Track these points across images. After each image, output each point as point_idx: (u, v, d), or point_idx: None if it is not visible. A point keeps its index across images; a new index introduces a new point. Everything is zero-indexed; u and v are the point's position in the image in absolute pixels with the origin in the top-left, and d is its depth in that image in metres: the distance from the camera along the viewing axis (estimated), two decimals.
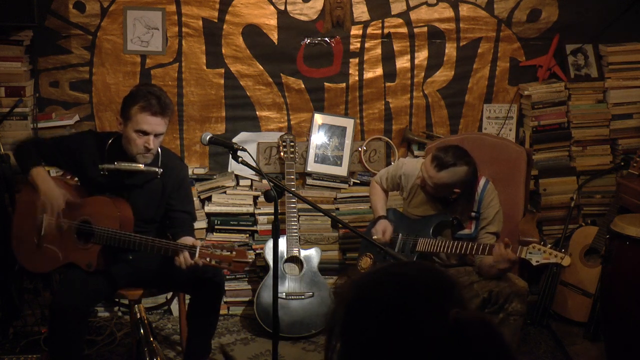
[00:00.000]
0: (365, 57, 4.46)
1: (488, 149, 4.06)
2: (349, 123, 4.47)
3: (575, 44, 4.48)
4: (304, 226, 4.29)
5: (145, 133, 3.14)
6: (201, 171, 4.39)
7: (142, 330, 2.05)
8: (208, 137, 3.06)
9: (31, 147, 3.33)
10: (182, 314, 3.54)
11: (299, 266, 4.10)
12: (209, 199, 4.29)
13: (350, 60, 4.46)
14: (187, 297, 3.53)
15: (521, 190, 4.04)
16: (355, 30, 4.42)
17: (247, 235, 4.31)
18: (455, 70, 4.50)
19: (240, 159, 2.98)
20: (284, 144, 4.29)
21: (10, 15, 3.89)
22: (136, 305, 2.20)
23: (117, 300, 3.91)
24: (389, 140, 4.53)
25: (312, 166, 4.43)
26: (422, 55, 4.48)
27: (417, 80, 4.50)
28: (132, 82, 4.31)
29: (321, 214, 3.97)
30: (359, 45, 4.44)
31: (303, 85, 4.46)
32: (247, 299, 4.27)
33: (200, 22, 4.35)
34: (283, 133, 4.39)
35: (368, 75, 4.48)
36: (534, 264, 3.15)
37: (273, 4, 4.35)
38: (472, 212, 3.45)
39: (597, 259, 4.07)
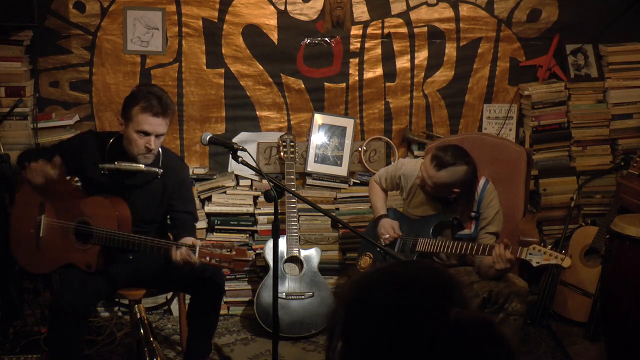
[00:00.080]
0: (365, 57, 4.46)
1: (488, 149, 4.06)
2: (349, 123, 4.47)
3: (575, 44, 4.48)
4: (304, 226, 4.29)
5: (147, 133, 3.14)
6: (201, 171, 4.39)
7: (142, 330, 2.06)
8: (208, 137, 3.06)
9: (33, 152, 3.35)
10: (182, 314, 3.54)
11: (299, 266, 4.10)
12: (209, 199, 4.29)
13: (350, 60, 4.46)
14: (187, 297, 3.53)
15: (521, 190, 4.04)
16: (355, 30, 4.42)
17: (247, 235, 4.31)
18: (455, 70, 4.50)
19: (240, 159, 2.98)
20: (284, 144, 4.29)
21: (10, 15, 3.89)
22: (136, 305, 2.20)
23: (117, 300, 3.91)
24: (389, 140, 4.53)
25: (312, 166, 4.43)
26: (422, 55, 4.48)
27: (417, 80, 4.50)
28: (132, 82, 4.31)
29: (321, 214, 3.97)
30: (359, 45, 4.44)
31: (303, 85, 4.46)
32: (247, 299, 4.28)
33: (200, 22, 4.35)
34: (283, 133, 4.39)
35: (368, 75, 4.48)
36: (534, 265, 3.15)
37: (273, 4, 4.35)
38: (472, 212, 3.45)
39: (597, 259, 4.07)
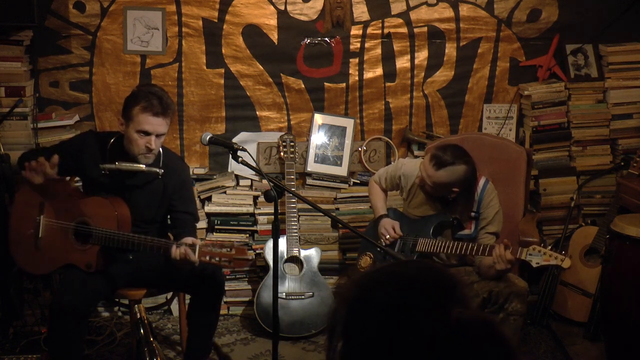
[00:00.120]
0: (365, 57, 4.46)
1: (488, 149, 4.06)
2: (349, 123, 4.47)
3: (575, 44, 4.48)
4: (304, 226, 4.29)
5: (147, 133, 3.14)
6: (201, 171, 4.39)
7: (142, 330, 2.05)
8: (208, 137, 3.06)
9: (34, 153, 3.35)
10: (182, 314, 3.54)
11: (299, 266, 4.10)
12: (209, 199, 4.29)
13: (350, 60, 4.46)
14: (187, 297, 3.53)
15: (521, 190, 4.04)
16: (355, 30, 4.42)
17: (247, 235, 4.31)
18: (455, 70, 4.50)
19: (240, 159, 2.98)
20: (284, 144, 4.29)
21: (10, 15, 3.89)
22: (136, 305, 2.20)
23: (117, 300, 3.91)
24: (389, 140, 4.53)
25: (312, 166, 4.43)
26: (422, 55, 4.48)
27: (417, 80, 4.50)
28: (132, 82, 4.31)
29: (321, 214, 3.97)
30: (359, 45, 4.44)
31: (303, 85, 4.46)
32: (247, 299, 4.27)
33: (200, 22, 4.35)
34: (283, 133, 4.39)
35: (368, 75, 4.48)
36: (534, 265, 3.15)
37: (273, 4, 4.35)
38: (471, 212, 3.45)
39: (597, 259, 4.07)
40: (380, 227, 3.59)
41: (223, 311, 4.11)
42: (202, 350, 3.42)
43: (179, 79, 4.39)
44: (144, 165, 3.20)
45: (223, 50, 4.38)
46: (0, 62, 4.09)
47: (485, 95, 4.55)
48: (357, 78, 4.48)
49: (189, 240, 3.19)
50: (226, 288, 3.93)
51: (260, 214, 4.28)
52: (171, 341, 3.94)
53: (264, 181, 4.20)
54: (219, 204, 4.27)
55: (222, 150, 4.27)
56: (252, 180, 4.36)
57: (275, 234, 2.91)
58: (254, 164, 3.07)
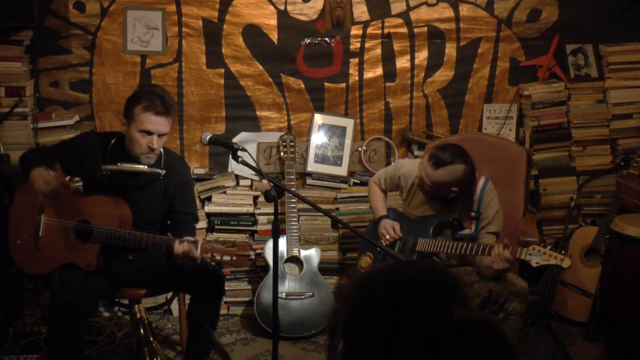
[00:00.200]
0: (365, 57, 4.46)
1: (488, 149, 4.06)
2: (349, 123, 4.47)
3: (575, 44, 4.48)
4: (304, 226, 4.29)
5: (149, 133, 3.14)
6: (201, 171, 4.39)
7: (142, 330, 2.05)
8: (208, 137, 3.06)
9: (35, 154, 3.35)
10: (182, 314, 3.54)
11: (299, 266, 4.10)
12: (209, 199, 4.29)
13: (350, 60, 4.46)
14: (187, 297, 3.53)
15: (521, 190, 4.04)
16: (355, 30, 4.42)
17: (247, 235, 4.31)
18: (455, 70, 4.50)
19: (240, 159, 2.97)
20: (284, 144, 4.29)
21: (10, 15, 3.89)
22: (136, 305, 2.20)
23: (117, 300, 3.91)
24: (389, 140, 4.53)
25: (312, 166, 4.43)
26: (422, 55, 4.48)
27: (417, 80, 4.50)
28: (132, 82, 4.31)
29: (321, 214, 3.97)
30: (359, 45, 4.44)
31: (303, 85, 4.46)
32: (247, 299, 4.27)
33: (200, 22, 4.35)
34: (283, 133, 4.39)
35: (368, 75, 4.48)
36: (534, 265, 3.15)
37: (273, 4, 4.35)
38: (471, 211, 3.45)
39: (597, 259, 4.07)
40: (380, 227, 3.59)
41: (223, 311, 4.11)
42: (202, 350, 3.42)
43: (179, 79, 4.39)
44: (146, 166, 3.20)
45: (223, 50, 4.38)
46: (0, 62, 4.09)
47: (485, 95, 4.55)
48: (357, 78, 4.48)
49: (190, 238, 3.19)
50: (226, 288, 3.93)
51: (260, 214, 4.27)
52: (171, 341, 3.94)
53: (264, 181, 4.20)
54: (219, 204, 4.27)
55: (222, 150, 4.27)
56: (252, 180, 4.36)
57: (275, 234, 2.91)
58: (254, 164, 3.07)
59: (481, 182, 3.46)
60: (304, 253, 4.09)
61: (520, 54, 4.51)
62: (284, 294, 3.95)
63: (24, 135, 4.09)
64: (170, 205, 3.36)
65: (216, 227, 4.24)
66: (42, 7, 4.13)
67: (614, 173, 4.45)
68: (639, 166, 4.03)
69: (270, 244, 3.88)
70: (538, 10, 4.46)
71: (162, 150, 3.28)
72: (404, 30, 4.43)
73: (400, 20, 4.42)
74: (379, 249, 3.21)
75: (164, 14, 4.31)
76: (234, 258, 3.00)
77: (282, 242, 4.02)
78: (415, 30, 4.44)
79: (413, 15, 4.42)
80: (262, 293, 3.97)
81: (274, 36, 4.39)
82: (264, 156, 4.43)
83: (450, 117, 4.56)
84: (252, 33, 4.38)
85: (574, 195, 4.40)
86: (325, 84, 4.48)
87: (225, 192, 4.29)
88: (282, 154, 4.28)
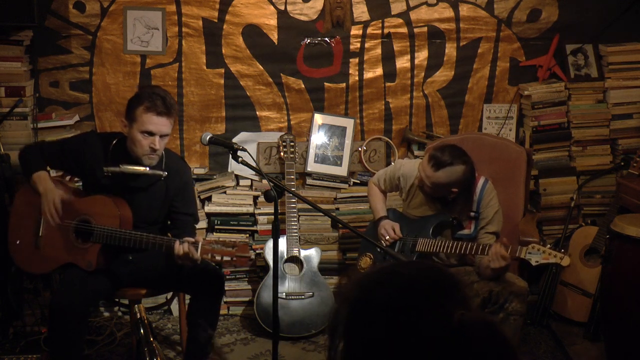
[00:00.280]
0: (365, 57, 4.46)
1: (488, 149, 4.06)
2: (349, 123, 4.47)
3: (575, 44, 4.48)
4: (304, 226, 4.29)
5: (151, 134, 3.14)
6: (201, 171, 4.39)
7: (142, 330, 2.05)
8: (208, 137, 3.06)
9: (36, 152, 3.34)
10: (182, 314, 3.54)
11: (299, 266, 4.10)
12: (209, 199, 4.29)
13: (350, 60, 4.46)
14: (187, 297, 3.53)
15: (521, 190, 4.04)
16: (355, 30, 4.42)
17: (247, 235, 4.31)
18: (455, 70, 4.50)
19: (240, 159, 2.98)
20: (284, 144, 4.29)
21: (10, 15, 3.89)
22: (136, 305, 2.19)
23: (117, 300, 3.91)
24: (389, 140, 4.53)
25: (312, 166, 4.43)
26: (422, 55, 4.48)
27: (417, 80, 4.50)
28: (132, 82, 4.31)
29: (321, 214, 3.97)
30: (359, 45, 4.44)
31: (303, 85, 4.46)
32: (247, 299, 4.27)
33: (200, 22, 4.35)
34: (283, 133, 4.39)
35: (368, 75, 4.48)
36: (533, 264, 3.15)
37: (273, 4, 4.35)
38: (471, 212, 3.45)
39: (597, 259, 4.07)
40: (380, 228, 3.59)
41: (223, 311, 4.11)
42: (202, 350, 3.42)
43: (179, 79, 4.39)
44: (148, 168, 3.19)
45: (223, 50, 4.38)
46: (0, 62, 4.09)
47: (485, 95, 4.55)
48: (357, 78, 4.48)
49: (190, 239, 3.19)
50: (226, 288, 3.93)
51: (260, 214, 4.27)
52: (171, 341, 3.94)
53: (264, 181, 4.20)
54: (219, 204, 4.27)
55: (222, 150, 4.27)
56: (252, 180, 4.36)
57: (275, 234, 2.91)
58: (254, 164, 3.07)
59: (481, 182, 3.46)
60: (304, 253, 4.09)
61: (520, 54, 4.51)
62: (284, 294, 3.95)
63: (24, 135, 4.09)
64: (171, 206, 3.36)
65: (216, 227, 4.24)
66: (42, 7, 4.13)
67: (614, 173, 4.45)
68: (639, 166, 4.03)
69: (270, 244, 3.88)
70: (538, 10, 4.46)
71: (163, 151, 3.27)
72: (404, 30, 4.44)
73: (400, 20, 4.43)
74: (379, 250, 3.21)
75: (164, 14, 4.31)
76: (234, 259, 3.00)
77: (282, 242, 4.02)
78: (415, 30, 4.44)
79: (413, 15, 4.42)
80: (262, 293, 3.97)
81: (274, 36, 4.39)
82: (264, 156, 4.43)
83: (450, 117, 4.56)
84: (252, 33, 4.38)
85: (574, 195, 4.40)
86: (325, 84, 4.48)
87: (225, 192, 4.29)
88: (282, 154, 4.28)
